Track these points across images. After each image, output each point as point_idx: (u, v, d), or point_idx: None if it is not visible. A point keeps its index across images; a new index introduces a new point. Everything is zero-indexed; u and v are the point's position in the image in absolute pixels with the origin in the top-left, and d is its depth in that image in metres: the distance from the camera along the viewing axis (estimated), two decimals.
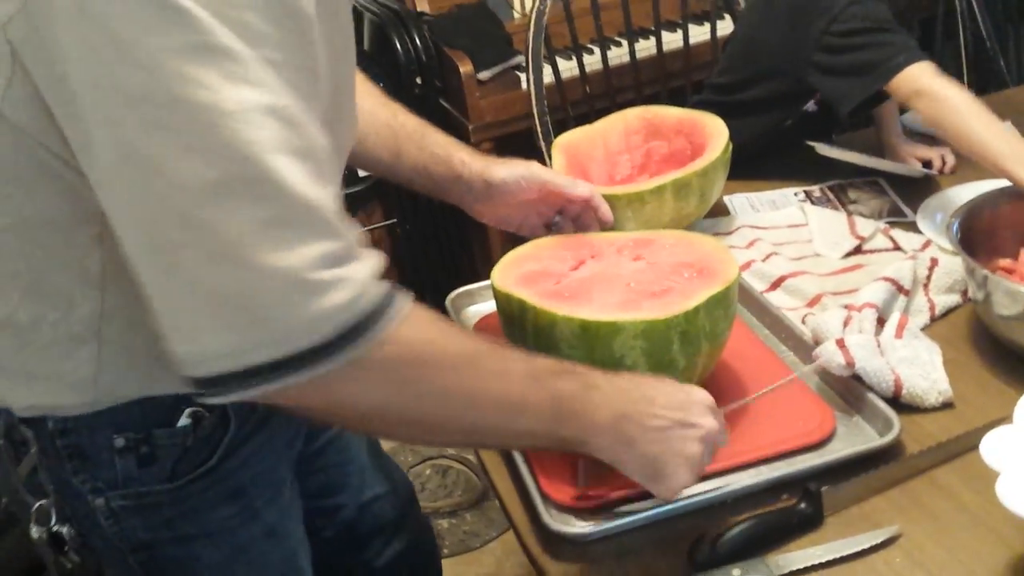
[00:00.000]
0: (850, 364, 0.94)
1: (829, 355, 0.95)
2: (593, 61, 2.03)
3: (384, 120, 1.04)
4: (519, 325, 0.97)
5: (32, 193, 0.69)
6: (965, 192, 1.31)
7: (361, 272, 0.65)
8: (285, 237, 0.61)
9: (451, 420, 0.74)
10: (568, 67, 2.03)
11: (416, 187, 1.07)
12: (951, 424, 0.93)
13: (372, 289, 0.66)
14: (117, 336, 0.75)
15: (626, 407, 0.79)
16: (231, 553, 0.86)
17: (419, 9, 2.30)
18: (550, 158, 1.37)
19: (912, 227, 1.28)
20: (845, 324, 1.01)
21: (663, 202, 1.22)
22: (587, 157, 1.38)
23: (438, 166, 1.05)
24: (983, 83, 2.29)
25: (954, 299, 1.11)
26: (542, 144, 1.82)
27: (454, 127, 2.28)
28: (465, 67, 2.15)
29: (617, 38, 2.16)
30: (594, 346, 0.91)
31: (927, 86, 1.23)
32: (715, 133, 1.30)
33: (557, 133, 1.78)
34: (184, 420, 0.80)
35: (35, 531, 0.83)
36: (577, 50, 1.96)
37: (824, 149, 1.42)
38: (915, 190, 1.38)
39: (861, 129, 1.60)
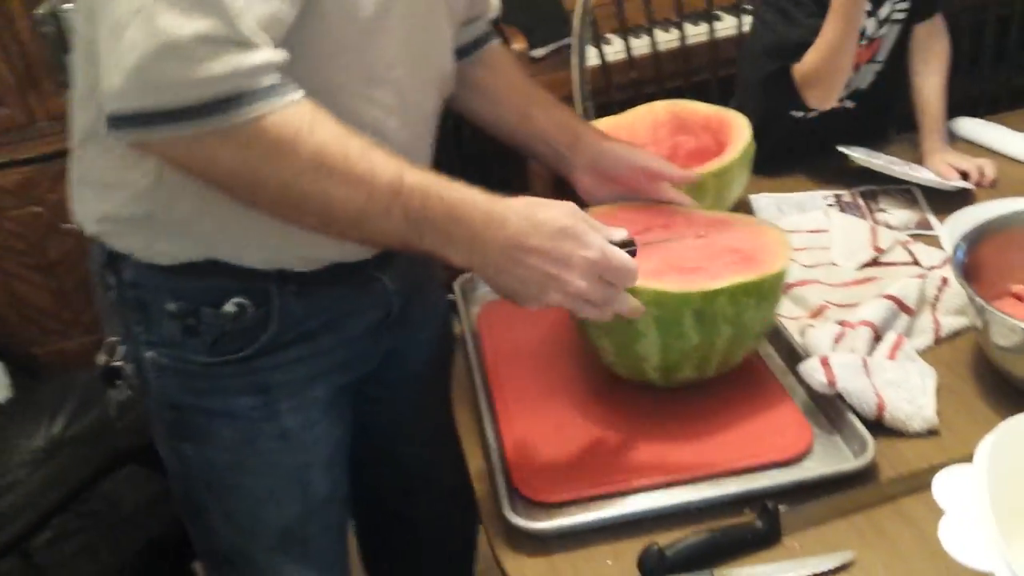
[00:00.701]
0: (831, 383, 0.93)
1: (811, 372, 0.94)
2: (641, 45, 2.00)
3: (518, 85, 1.13)
4: None
5: None
6: (996, 209, 1.26)
7: (247, 60, 0.72)
8: (181, 7, 0.70)
9: (300, 209, 0.79)
10: (615, 51, 2.00)
11: (531, 152, 1.13)
12: (931, 452, 0.91)
13: (254, 76, 0.73)
14: None
15: (496, 254, 0.81)
16: (244, 438, 0.97)
17: None
18: None
19: (937, 242, 1.25)
20: (837, 340, 1.00)
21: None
22: None
23: (560, 135, 1.12)
24: None
25: (962, 321, 1.08)
26: None
27: None
28: (519, 43, 2.15)
29: (667, 22, 2.12)
30: None
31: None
32: (739, 133, 1.28)
33: (601, 117, 1.78)
34: (229, 307, 0.91)
35: (100, 358, 0.98)
36: (625, 33, 1.94)
37: (855, 155, 1.39)
38: (950, 202, 1.34)
39: (903, 133, 1.55)
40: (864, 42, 1.43)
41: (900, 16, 1.46)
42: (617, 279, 0.84)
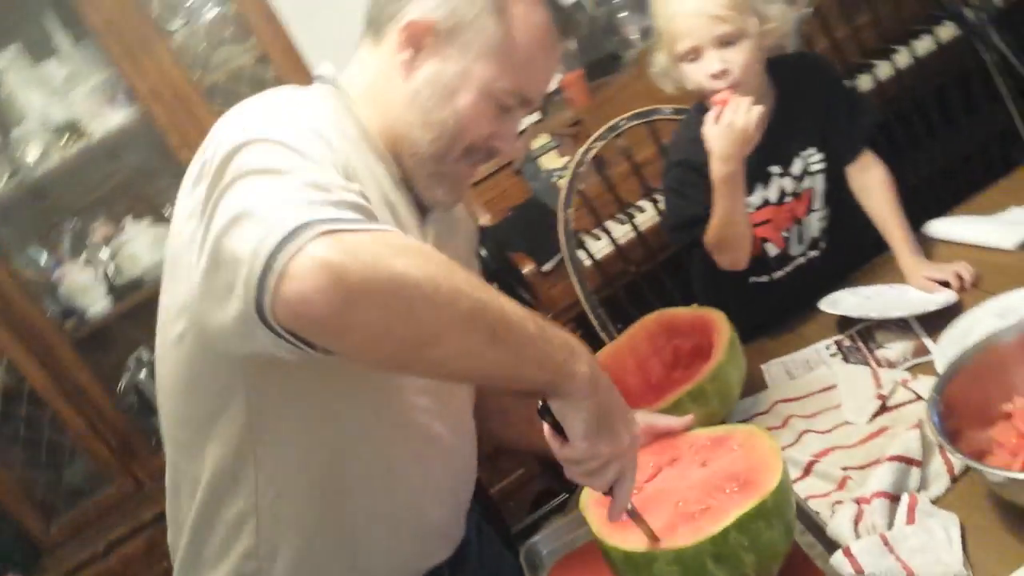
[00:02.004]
0: (859, 572, 0.99)
1: (839, 567, 1.01)
2: (624, 230, 2.15)
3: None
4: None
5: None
6: (984, 313, 1.33)
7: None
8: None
9: (475, 322, 0.85)
10: (602, 246, 2.16)
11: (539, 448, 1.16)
12: None
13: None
14: None
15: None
16: None
17: (481, 222, 2.50)
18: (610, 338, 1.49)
19: (934, 368, 1.30)
20: (856, 522, 1.06)
21: (685, 412, 1.31)
22: (619, 371, 1.50)
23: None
24: None
25: None
26: (603, 335, 1.93)
27: None
28: (527, 266, 2.32)
29: (640, 203, 2.27)
30: (639, 570, 1.02)
31: None
32: (720, 329, 1.39)
33: (614, 309, 1.91)
34: None
35: None
36: (604, 227, 2.09)
37: (835, 310, 1.47)
38: (942, 317, 1.40)
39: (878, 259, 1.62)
40: (789, 199, 1.55)
41: (818, 167, 1.57)
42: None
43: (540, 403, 0.96)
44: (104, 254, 2.47)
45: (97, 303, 2.41)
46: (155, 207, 2.54)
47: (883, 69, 2.38)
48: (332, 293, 0.77)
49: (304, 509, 1.06)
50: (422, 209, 1.17)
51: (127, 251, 2.42)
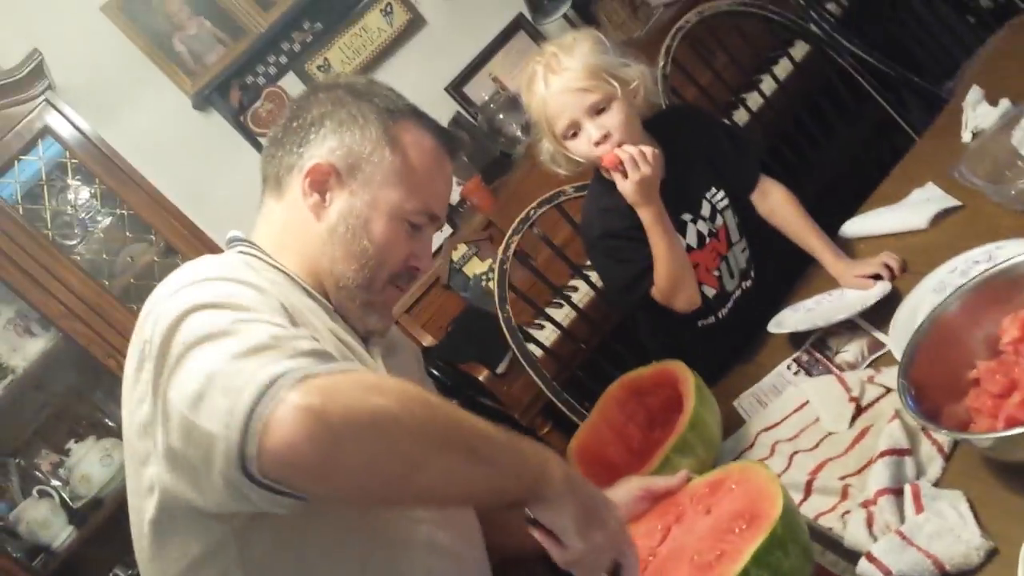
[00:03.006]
0: (888, 573, 0.99)
1: (867, 574, 1.01)
2: (565, 313, 2.17)
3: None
4: None
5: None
6: (922, 293, 1.37)
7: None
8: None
9: (458, 448, 0.88)
10: (548, 333, 2.17)
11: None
12: (1003, 573, 0.96)
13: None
14: None
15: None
16: None
17: (425, 344, 2.50)
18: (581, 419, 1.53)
19: (892, 357, 1.34)
20: (870, 525, 1.07)
21: (675, 467, 1.31)
22: (600, 446, 1.50)
23: None
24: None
25: None
26: (573, 418, 1.93)
27: (503, 421, 2.42)
28: (482, 374, 2.32)
29: (572, 283, 2.31)
30: None
31: None
32: (685, 380, 1.40)
33: (577, 390, 1.91)
34: None
35: None
36: (544, 314, 2.11)
37: (781, 329, 1.50)
38: (884, 309, 1.44)
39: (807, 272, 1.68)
40: (709, 239, 1.61)
41: (723, 203, 1.64)
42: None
43: (528, 513, 0.98)
44: (56, 483, 2.40)
45: (61, 534, 2.33)
46: (96, 423, 2.49)
47: (753, 100, 2.50)
48: (319, 438, 0.80)
49: None
50: (360, 335, 1.20)
51: (78, 473, 2.35)
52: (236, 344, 0.86)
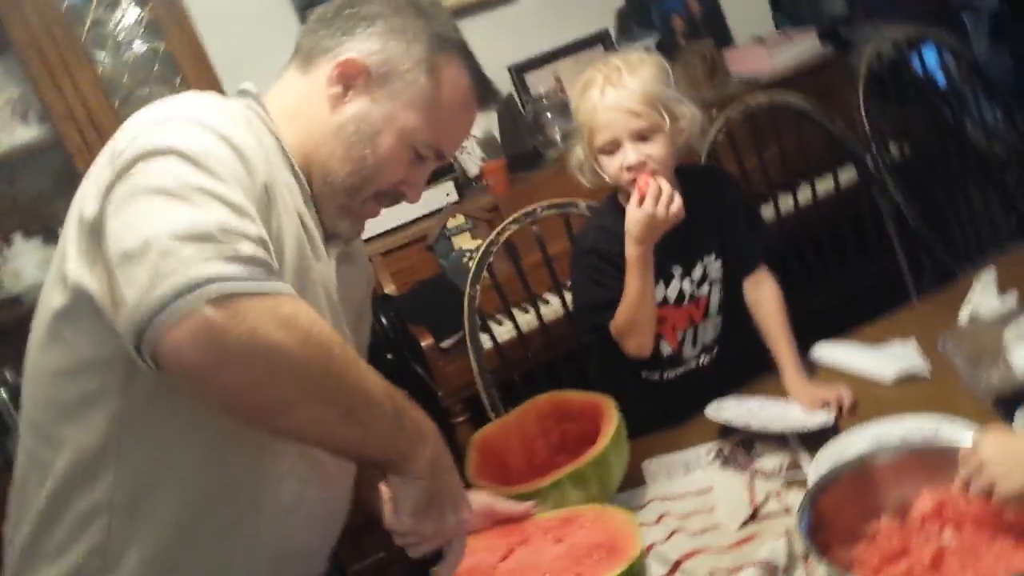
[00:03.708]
0: None
1: None
2: (529, 319, 2.17)
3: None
4: None
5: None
6: (858, 438, 1.38)
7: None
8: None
9: (338, 392, 0.91)
10: (507, 330, 2.17)
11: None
12: None
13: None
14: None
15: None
16: None
17: (386, 291, 2.49)
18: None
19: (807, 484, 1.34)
20: None
21: (564, 494, 1.32)
22: (504, 447, 1.50)
23: None
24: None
25: None
26: (491, 416, 1.93)
27: (426, 394, 2.42)
28: (426, 340, 2.31)
29: (548, 296, 2.31)
30: None
31: None
32: (610, 417, 1.40)
33: (507, 393, 1.91)
34: None
35: None
36: (511, 313, 2.10)
37: (719, 416, 1.50)
38: (818, 436, 1.44)
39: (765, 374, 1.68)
40: (689, 302, 1.61)
41: (716, 275, 1.64)
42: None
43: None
44: None
45: None
46: (49, 229, 2.45)
47: (784, 202, 2.50)
48: (208, 354, 0.84)
49: (163, 513, 1.02)
50: (325, 231, 1.19)
51: (11, 266, 2.32)
52: (186, 218, 0.87)
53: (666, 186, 1.52)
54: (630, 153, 1.53)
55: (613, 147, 1.55)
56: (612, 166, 1.56)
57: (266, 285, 0.88)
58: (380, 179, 1.16)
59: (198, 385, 0.88)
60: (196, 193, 0.90)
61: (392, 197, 1.21)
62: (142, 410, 0.99)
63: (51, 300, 1.00)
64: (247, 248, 0.89)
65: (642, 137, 1.53)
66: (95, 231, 0.93)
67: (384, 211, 1.23)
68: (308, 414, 0.90)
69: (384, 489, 1.03)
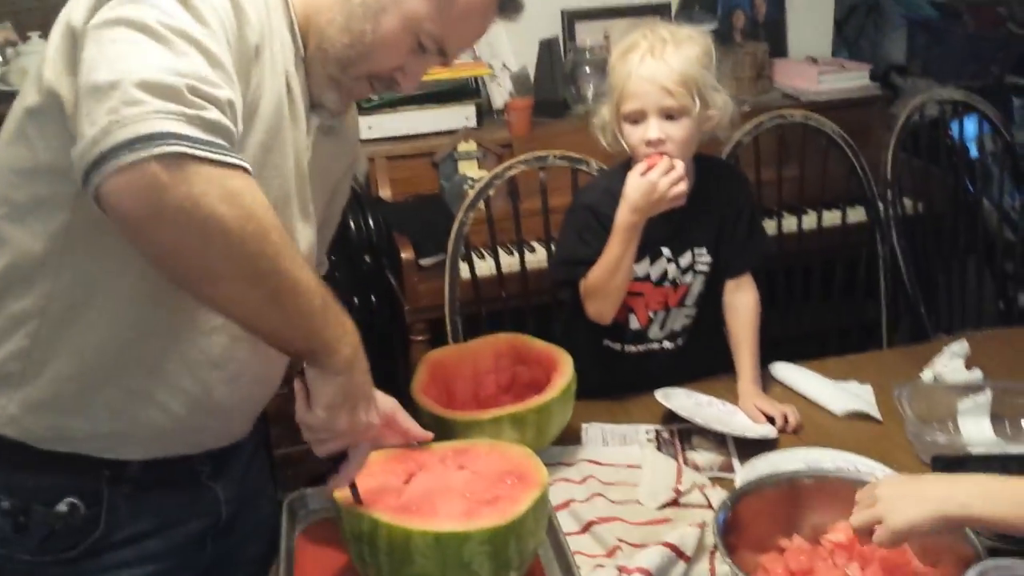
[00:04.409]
0: None
1: None
2: (512, 262, 2.16)
3: None
4: (369, 541, 1.06)
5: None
6: (792, 457, 1.41)
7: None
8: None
9: (263, 268, 0.89)
10: (488, 266, 2.16)
11: None
12: None
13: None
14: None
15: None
16: None
17: (380, 195, 2.47)
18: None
19: (733, 486, 1.36)
20: None
21: (500, 432, 1.33)
22: (454, 374, 1.50)
23: None
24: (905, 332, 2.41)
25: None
26: (450, 342, 1.93)
27: (392, 305, 2.41)
28: (407, 253, 2.31)
29: (536, 244, 2.31)
30: (447, 554, 1.03)
31: None
32: (563, 372, 1.41)
33: (471, 326, 1.91)
34: (62, 506, 1.02)
35: None
36: (496, 252, 2.10)
37: (668, 404, 1.52)
38: (755, 446, 1.46)
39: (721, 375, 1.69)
40: (668, 285, 1.62)
41: (703, 268, 1.65)
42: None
43: (301, 366, 1.01)
44: None
45: None
46: None
47: (788, 223, 2.51)
48: (143, 206, 0.83)
49: (90, 335, 1.00)
50: (311, 100, 1.15)
51: (21, 63, 2.27)
52: (160, 64, 0.85)
53: (679, 166, 1.51)
54: (654, 128, 1.52)
55: (639, 117, 1.54)
56: (633, 136, 1.55)
57: (220, 155, 0.86)
58: (375, 60, 1.11)
59: (130, 235, 0.87)
60: (177, 36, 0.87)
61: (386, 83, 1.16)
62: (88, 229, 0.97)
63: (25, 98, 0.98)
64: (212, 114, 0.86)
65: (669, 116, 1.52)
66: (77, 41, 0.91)
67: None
68: (232, 290, 0.90)
69: (298, 385, 1.01)
